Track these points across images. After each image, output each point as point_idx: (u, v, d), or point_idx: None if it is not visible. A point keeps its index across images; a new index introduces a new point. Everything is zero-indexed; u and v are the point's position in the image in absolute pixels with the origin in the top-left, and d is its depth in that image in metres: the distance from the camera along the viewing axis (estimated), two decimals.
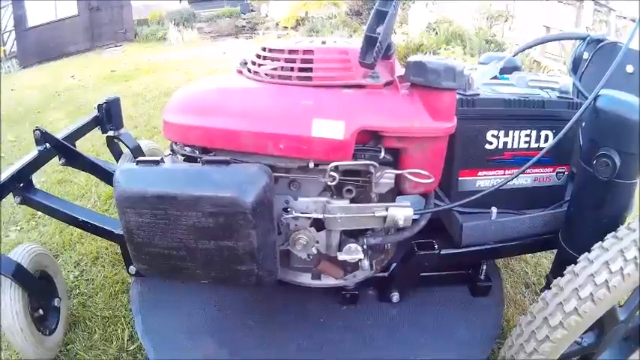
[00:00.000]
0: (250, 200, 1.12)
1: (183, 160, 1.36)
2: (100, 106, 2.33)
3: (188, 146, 1.32)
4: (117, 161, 2.51)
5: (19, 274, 1.61)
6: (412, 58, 1.23)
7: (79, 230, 2.56)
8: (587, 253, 1.27)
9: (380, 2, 1.12)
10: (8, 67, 9.17)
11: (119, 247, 1.87)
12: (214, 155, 1.26)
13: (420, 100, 1.23)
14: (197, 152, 1.31)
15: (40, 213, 2.78)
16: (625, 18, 6.59)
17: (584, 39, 1.88)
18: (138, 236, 1.16)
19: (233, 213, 1.11)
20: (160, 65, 7.72)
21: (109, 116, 2.35)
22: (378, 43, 1.11)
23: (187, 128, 1.26)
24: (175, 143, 1.35)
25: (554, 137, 1.49)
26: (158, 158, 1.20)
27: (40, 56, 9.55)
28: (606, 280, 1.19)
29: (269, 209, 1.19)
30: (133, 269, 1.76)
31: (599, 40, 1.81)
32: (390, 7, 1.11)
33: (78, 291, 2.19)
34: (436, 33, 7.42)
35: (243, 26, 11.66)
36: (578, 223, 1.47)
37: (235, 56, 8.29)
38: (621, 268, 1.19)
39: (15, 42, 9.89)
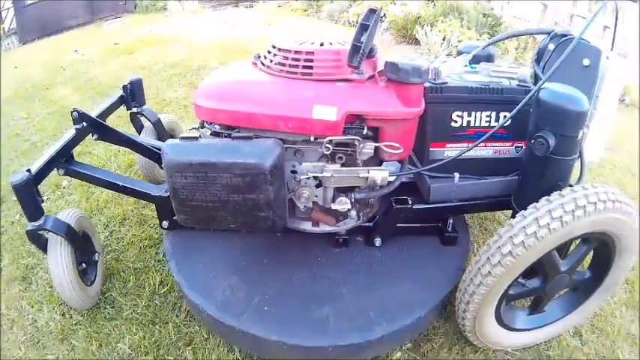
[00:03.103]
0: (268, 165, 1.56)
1: (210, 135, 1.76)
2: (124, 87, 2.68)
3: (217, 124, 1.72)
4: (139, 134, 2.86)
5: (69, 233, 1.99)
6: (389, 59, 1.62)
7: (103, 197, 2.98)
8: (523, 210, 1.63)
9: (363, 17, 1.54)
10: (8, 43, 9.27)
11: (154, 206, 2.25)
12: (239, 132, 1.67)
13: (394, 91, 1.64)
14: (223, 129, 1.72)
15: (63, 183, 3.14)
16: None
17: (549, 33, 2.14)
18: (182, 194, 1.60)
19: (256, 174, 1.55)
20: (163, 37, 7.84)
21: (132, 95, 2.71)
22: (361, 50, 1.52)
23: (216, 111, 1.67)
24: (205, 122, 1.76)
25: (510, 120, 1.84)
26: (196, 135, 1.62)
27: (39, 32, 9.61)
28: (535, 232, 1.56)
29: (281, 171, 1.65)
30: (165, 224, 2.16)
31: (563, 35, 2.07)
32: (371, 21, 1.53)
33: (110, 248, 2.58)
34: (434, 5, 7.57)
35: None
36: (525, 189, 1.84)
37: (236, 26, 8.54)
38: (548, 224, 1.55)
39: (14, 18, 9.90)
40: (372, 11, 1.56)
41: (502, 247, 1.59)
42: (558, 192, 1.62)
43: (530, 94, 1.66)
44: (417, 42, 6.89)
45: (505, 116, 1.84)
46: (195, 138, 1.65)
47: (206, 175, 1.56)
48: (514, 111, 1.68)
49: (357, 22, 7.46)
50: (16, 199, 2.75)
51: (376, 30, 1.61)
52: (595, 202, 1.58)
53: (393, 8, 7.64)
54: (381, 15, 7.72)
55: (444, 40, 6.50)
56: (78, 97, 5.12)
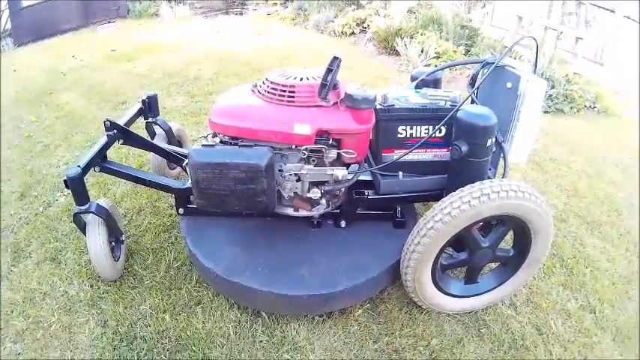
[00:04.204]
0: (264, 164, 2.24)
1: (220, 142, 2.44)
2: (143, 101, 3.30)
3: (227, 136, 2.41)
4: (152, 139, 3.43)
5: (107, 216, 2.58)
6: (347, 90, 2.29)
7: (119, 192, 3.55)
8: (444, 197, 2.23)
9: (329, 63, 2.25)
10: (3, 45, 9.56)
11: (174, 196, 2.85)
12: (243, 141, 2.38)
13: (350, 114, 2.33)
14: (231, 139, 2.42)
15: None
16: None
17: (481, 62, 2.63)
18: (202, 184, 2.30)
19: (255, 171, 2.24)
20: (159, 44, 8.19)
21: (149, 107, 3.33)
22: (327, 87, 2.25)
23: (226, 127, 2.38)
24: (217, 133, 2.45)
25: (445, 131, 2.44)
26: (213, 143, 2.34)
27: (34, 34, 9.91)
28: (449, 212, 2.14)
29: (272, 169, 2.32)
30: (181, 210, 2.78)
31: (492, 64, 2.53)
32: (334, 65, 2.24)
33: (130, 233, 3.12)
34: (416, 17, 8.12)
35: (234, 1, 12.21)
36: (451, 183, 2.42)
37: (228, 35, 8.85)
38: (459, 206, 2.13)
39: (8, 21, 10.18)
40: (336, 58, 2.27)
41: (427, 223, 2.20)
42: (471, 184, 2.19)
43: (450, 114, 2.30)
44: (397, 53, 7.39)
45: (440, 129, 2.43)
46: (213, 145, 2.38)
47: (220, 172, 2.24)
48: (438, 126, 2.36)
49: (341, 32, 8.15)
50: (36, 193, 3.35)
51: (338, 71, 2.29)
52: (498, 192, 2.11)
53: (376, 19, 8.12)
54: (365, 26, 8.38)
55: (422, 51, 7.01)
56: (83, 103, 5.52)
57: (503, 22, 8.73)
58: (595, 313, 2.76)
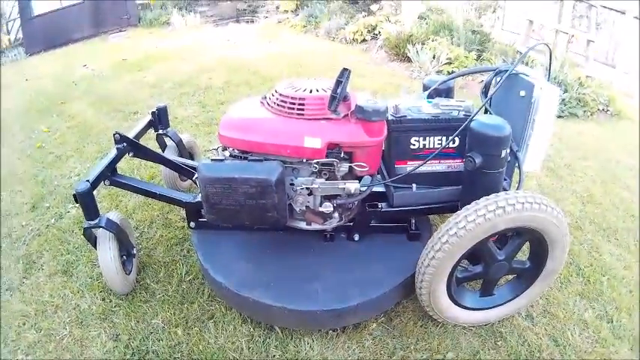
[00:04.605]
0: (274, 179, 2.22)
1: (229, 156, 2.42)
2: (153, 113, 3.29)
3: (236, 149, 2.38)
4: (163, 151, 3.42)
5: (117, 230, 2.56)
6: (358, 102, 2.26)
7: (131, 204, 3.53)
8: (459, 210, 2.17)
9: (339, 74, 2.22)
10: (15, 55, 9.67)
11: (184, 210, 2.82)
12: (252, 155, 2.34)
13: (361, 126, 2.29)
14: (241, 153, 2.38)
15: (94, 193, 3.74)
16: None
17: (494, 70, 2.58)
18: (212, 199, 2.26)
19: (265, 185, 2.21)
20: (169, 53, 8.19)
21: (159, 119, 3.31)
22: (337, 99, 2.21)
23: (235, 140, 2.34)
24: (227, 147, 2.42)
25: (459, 142, 2.40)
26: (222, 157, 2.30)
27: (45, 43, 9.99)
28: (464, 225, 2.10)
29: (283, 183, 2.30)
30: (193, 224, 2.76)
31: (506, 71, 2.44)
32: (344, 77, 2.21)
33: (141, 246, 3.10)
34: (427, 23, 8.03)
35: (244, 9, 12.25)
36: (465, 195, 2.38)
37: (239, 43, 8.86)
38: (474, 219, 2.08)
39: (20, 30, 10.37)
40: (345, 69, 2.23)
41: (442, 237, 2.16)
42: (486, 196, 2.14)
43: (463, 125, 2.24)
44: (409, 60, 7.36)
45: (454, 140, 2.37)
46: (222, 160, 2.35)
47: (230, 186, 2.22)
48: (451, 138, 2.31)
49: (352, 39, 8.13)
50: (48, 205, 3.34)
51: (348, 82, 2.26)
52: (514, 204, 2.05)
53: (387, 26, 8.09)
54: (377, 33, 8.35)
55: (433, 57, 6.97)
56: (95, 113, 5.53)
57: (514, 27, 8.69)
58: (612, 322, 2.70)
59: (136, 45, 9.24)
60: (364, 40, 8.89)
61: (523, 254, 2.63)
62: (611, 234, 3.56)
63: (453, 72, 6.45)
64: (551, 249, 2.34)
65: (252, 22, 11.43)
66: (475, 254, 2.32)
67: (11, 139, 5.07)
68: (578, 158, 4.85)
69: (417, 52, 7.19)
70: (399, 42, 7.67)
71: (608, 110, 6.58)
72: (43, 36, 10.15)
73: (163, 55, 8.14)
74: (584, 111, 6.37)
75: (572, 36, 7.60)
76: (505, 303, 2.55)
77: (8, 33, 10.72)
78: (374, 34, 8.82)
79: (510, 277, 2.63)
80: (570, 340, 2.55)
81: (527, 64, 6.67)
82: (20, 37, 10.43)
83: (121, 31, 10.84)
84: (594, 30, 7.69)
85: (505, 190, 2.40)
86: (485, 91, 2.67)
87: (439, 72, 6.80)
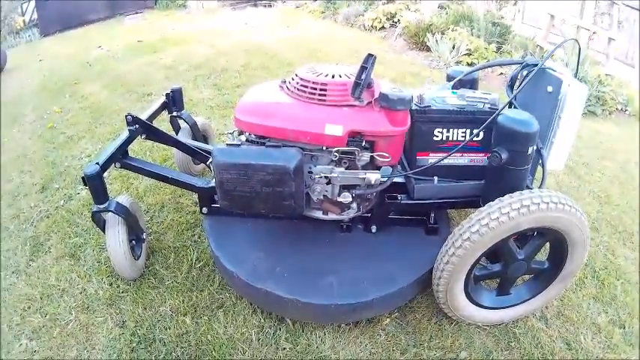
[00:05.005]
0: (292, 166, 2.12)
1: (245, 141, 2.34)
2: (167, 94, 3.21)
3: (253, 134, 2.29)
4: (176, 134, 3.36)
5: (126, 214, 2.50)
6: (382, 90, 2.17)
7: (142, 187, 3.48)
8: (482, 207, 2.11)
9: (363, 60, 2.12)
10: (29, 35, 9.71)
11: (197, 195, 2.75)
12: (270, 141, 2.26)
13: (385, 115, 2.19)
14: (258, 139, 2.30)
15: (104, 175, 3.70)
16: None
17: (521, 64, 2.53)
18: (226, 185, 2.18)
19: (283, 173, 2.12)
20: (185, 36, 8.14)
21: (173, 101, 3.24)
22: (361, 86, 2.11)
23: (253, 125, 2.25)
24: (243, 131, 2.34)
25: (483, 135, 2.31)
26: (238, 142, 2.22)
27: (61, 25, 9.99)
28: (487, 223, 2.03)
29: (301, 171, 2.20)
30: (205, 210, 2.69)
31: (533, 65, 2.43)
32: (369, 63, 2.11)
33: (151, 230, 3.05)
34: (447, 13, 7.99)
35: None
36: (488, 191, 2.31)
37: (257, 27, 8.80)
38: (497, 217, 2.02)
39: (34, 11, 10.36)
40: (370, 55, 2.13)
41: (463, 234, 2.10)
42: (510, 194, 2.08)
43: (490, 118, 2.17)
44: (428, 49, 7.30)
45: (478, 134, 2.30)
46: (238, 145, 2.25)
47: (246, 173, 2.12)
48: (477, 131, 2.23)
49: (371, 26, 8.04)
50: (58, 186, 3.28)
51: (373, 69, 2.16)
52: (538, 203, 2.00)
53: (406, 14, 8.03)
54: (396, 21, 8.25)
55: (453, 48, 6.90)
56: (108, 94, 5.48)
57: (534, 21, 8.56)
58: (624, 328, 2.64)
59: (152, 27, 9.26)
60: (383, 28, 8.81)
61: (542, 254, 2.57)
62: (627, 237, 3.48)
63: (472, 63, 6.37)
64: (572, 251, 2.29)
65: (270, 6, 11.40)
66: (495, 252, 2.26)
67: (22, 120, 5.04)
68: (596, 157, 4.77)
69: (437, 41, 7.12)
70: (418, 31, 7.61)
71: (626, 110, 6.50)
72: (58, 17, 10.13)
73: (179, 37, 8.11)
74: (603, 109, 6.31)
75: (594, 33, 7.50)
76: (521, 303, 2.50)
77: (23, 14, 10.69)
78: (393, 21, 8.73)
79: (527, 277, 2.58)
80: (583, 344, 2.50)
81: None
82: (35, 18, 10.37)
83: (137, 13, 10.86)
84: (616, 28, 7.55)
85: (529, 187, 2.32)
86: (511, 85, 2.61)
87: (458, 62, 6.72)
